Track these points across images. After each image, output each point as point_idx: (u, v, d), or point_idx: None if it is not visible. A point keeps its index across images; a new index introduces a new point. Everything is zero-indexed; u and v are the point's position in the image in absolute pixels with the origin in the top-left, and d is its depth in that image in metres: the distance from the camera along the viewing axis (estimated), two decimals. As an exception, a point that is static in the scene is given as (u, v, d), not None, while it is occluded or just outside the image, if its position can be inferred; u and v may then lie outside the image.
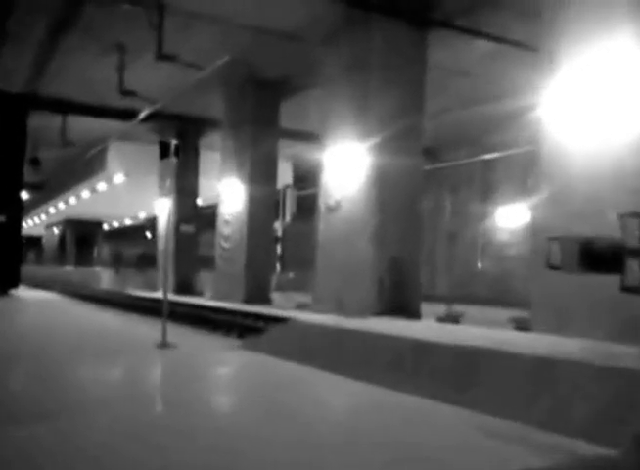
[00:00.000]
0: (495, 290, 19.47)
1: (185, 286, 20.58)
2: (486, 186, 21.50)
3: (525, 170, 20.11)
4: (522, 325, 10.06)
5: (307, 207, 25.31)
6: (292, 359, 7.21)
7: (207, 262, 19.37)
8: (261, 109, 16.59)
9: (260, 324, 10.43)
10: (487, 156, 20.21)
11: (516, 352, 5.25)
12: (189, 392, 5.74)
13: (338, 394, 5.76)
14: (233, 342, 9.48)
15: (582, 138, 7.30)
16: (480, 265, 20.66)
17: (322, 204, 12.26)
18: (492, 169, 21.09)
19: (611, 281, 7.06)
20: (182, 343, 8.50)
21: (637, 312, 6.60)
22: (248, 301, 15.91)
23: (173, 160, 8.00)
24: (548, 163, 7.72)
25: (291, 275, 22.96)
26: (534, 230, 8.09)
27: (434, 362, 5.67)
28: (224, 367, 7.64)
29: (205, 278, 21.07)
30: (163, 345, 8.23)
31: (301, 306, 15.50)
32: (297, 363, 7.05)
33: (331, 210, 11.92)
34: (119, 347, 8.79)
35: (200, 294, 20.20)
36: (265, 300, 16.36)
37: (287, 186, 25.51)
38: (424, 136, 11.57)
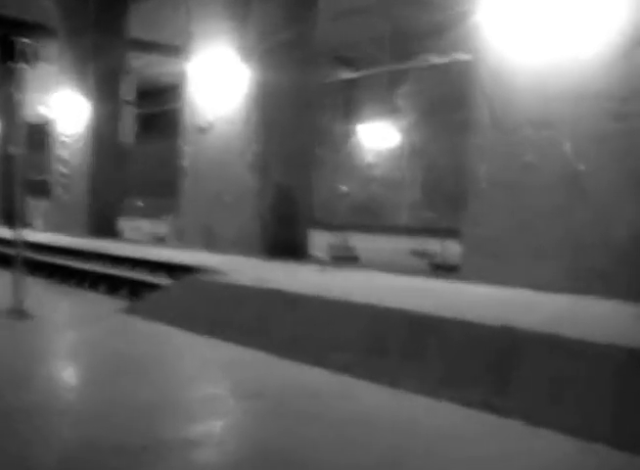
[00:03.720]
0: (362, 215, 18.68)
1: (11, 215, 17.74)
2: (350, 104, 20.38)
3: (392, 88, 19.22)
4: (433, 261, 9.19)
5: (154, 126, 22.99)
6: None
7: (37, 189, 16.73)
8: (106, 14, 14.08)
9: (152, 279, 8.06)
10: (351, 74, 18.98)
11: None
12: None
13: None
14: (110, 302, 7.48)
15: (533, 51, 6.15)
16: (345, 189, 19.70)
17: (189, 124, 10.47)
18: (356, 87, 19.94)
19: (555, 226, 6.33)
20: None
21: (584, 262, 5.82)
22: (92, 232, 13.86)
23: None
24: (488, 80, 6.50)
25: (139, 203, 20.77)
26: (475, 162, 6.77)
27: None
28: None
29: (34, 207, 18.39)
30: (18, 313, 6.15)
31: (157, 238, 13.77)
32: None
33: (202, 131, 10.18)
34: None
35: (29, 225, 17.47)
36: (112, 232, 14.30)
37: (127, 102, 22.91)
38: (318, 44, 10.00)
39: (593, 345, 3.57)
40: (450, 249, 9.85)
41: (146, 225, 16.76)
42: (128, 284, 7.93)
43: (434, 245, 11.28)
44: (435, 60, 16.89)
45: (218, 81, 9.85)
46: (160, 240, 13.35)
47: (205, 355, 5.14)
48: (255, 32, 9.29)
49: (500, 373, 3.76)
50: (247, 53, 9.38)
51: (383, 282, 6.63)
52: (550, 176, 6.06)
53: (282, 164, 9.49)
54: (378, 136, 19.78)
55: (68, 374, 4.88)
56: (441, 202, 17.46)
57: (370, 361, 4.39)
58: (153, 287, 7.37)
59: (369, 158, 20.16)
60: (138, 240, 13.38)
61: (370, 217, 18.76)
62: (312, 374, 4.45)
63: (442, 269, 8.25)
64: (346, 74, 19.12)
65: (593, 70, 5.79)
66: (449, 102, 17.37)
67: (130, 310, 6.72)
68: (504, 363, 3.78)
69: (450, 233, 10.98)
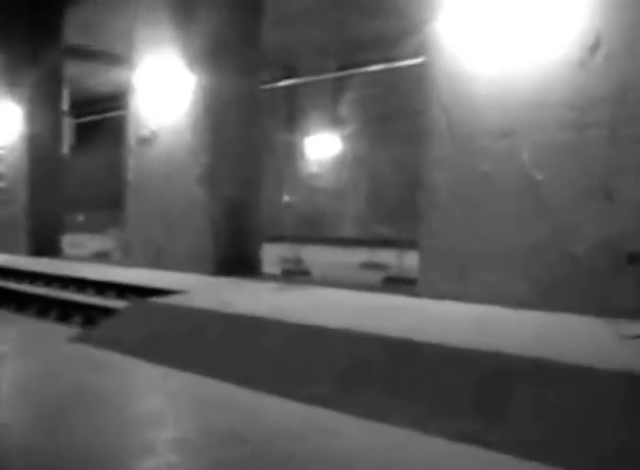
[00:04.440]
0: (307, 226, 18.48)
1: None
2: (293, 113, 20.19)
3: (336, 97, 19.14)
4: (388, 274, 9.03)
5: (95, 136, 22.38)
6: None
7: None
8: (41, 18, 13.48)
9: (104, 302, 7.42)
10: (295, 80, 18.79)
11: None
12: None
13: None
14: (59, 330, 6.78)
15: (491, 60, 6.08)
16: (289, 200, 19.47)
17: (133, 134, 10.08)
18: (300, 96, 19.77)
19: (515, 237, 6.23)
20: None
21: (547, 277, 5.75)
22: (32, 250, 13.20)
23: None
24: (445, 89, 6.39)
25: (80, 217, 20.09)
26: (432, 172, 6.54)
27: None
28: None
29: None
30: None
31: (101, 255, 13.27)
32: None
33: (145, 142, 9.81)
34: None
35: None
36: (54, 249, 13.64)
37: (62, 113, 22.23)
38: (263, 51, 9.76)
39: (589, 370, 3.41)
40: (403, 261, 9.76)
41: (88, 241, 16.18)
42: (79, 308, 7.35)
43: (383, 257, 11.20)
44: (380, 68, 16.88)
45: (163, 90, 9.53)
46: (104, 256, 12.85)
47: (163, 388, 4.67)
48: (201, 39, 9.00)
49: (492, 403, 3.53)
50: (192, 60, 9.09)
51: (346, 301, 6.33)
52: (508, 186, 5.99)
53: (231, 176, 9.18)
54: (322, 146, 19.66)
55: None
56: (387, 212, 17.43)
57: (348, 392, 4.08)
58: (105, 311, 6.88)
59: (313, 168, 20.01)
60: (81, 257, 12.83)
61: (315, 229, 18.60)
62: (288, 408, 4.07)
63: (398, 283, 8.11)
64: (290, 82, 18.96)
65: (551, 80, 5.74)
66: (394, 111, 17.42)
67: (82, 339, 6.16)
68: (495, 392, 3.55)
69: (400, 244, 10.92)
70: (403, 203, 16.84)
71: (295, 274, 9.62)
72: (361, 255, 12.09)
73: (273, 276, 8.95)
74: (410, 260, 9.26)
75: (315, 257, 11.84)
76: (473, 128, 6.19)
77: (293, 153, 20.13)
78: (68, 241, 14.50)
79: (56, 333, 6.64)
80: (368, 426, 3.72)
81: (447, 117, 6.36)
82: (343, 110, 19.16)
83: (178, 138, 9.35)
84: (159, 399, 4.42)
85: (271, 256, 10.17)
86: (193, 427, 3.81)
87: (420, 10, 6.74)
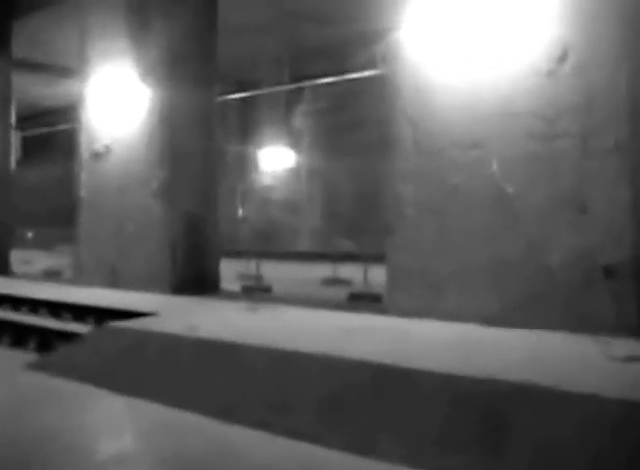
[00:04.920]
0: (263, 241, 18.21)
1: None
2: (247, 125, 19.96)
3: (290, 109, 18.99)
4: (353, 291, 8.85)
5: (44, 150, 21.75)
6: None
7: None
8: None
9: (63, 326, 7.00)
10: (248, 93, 18.57)
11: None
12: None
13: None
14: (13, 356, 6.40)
15: (457, 71, 5.98)
16: (244, 214, 19.21)
17: (85, 148, 9.73)
18: (253, 107, 19.56)
19: (486, 251, 6.11)
20: None
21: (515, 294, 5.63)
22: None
23: None
24: (411, 101, 6.26)
25: (29, 233, 19.44)
26: (399, 185, 6.35)
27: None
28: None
29: None
30: None
31: (51, 274, 12.79)
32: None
33: (99, 156, 9.47)
34: None
35: None
36: (2, 267, 13.08)
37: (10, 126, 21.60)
38: (220, 63, 9.53)
39: (594, 398, 3.21)
40: (368, 276, 9.61)
41: (38, 258, 15.62)
42: (34, 332, 6.97)
43: (346, 272, 11.04)
44: (335, 79, 16.80)
45: (117, 102, 9.22)
46: (55, 275, 12.37)
47: (130, 424, 4.35)
48: (156, 51, 8.74)
49: (488, 437, 3.31)
50: (147, 72, 8.82)
51: (319, 322, 6.01)
52: (478, 199, 5.88)
53: (189, 190, 8.92)
54: (277, 158, 19.48)
55: None
56: (344, 226, 17.32)
57: (329, 423, 3.82)
58: (62, 335, 6.51)
59: (268, 181, 19.81)
60: (32, 276, 12.33)
61: (271, 243, 18.37)
62: (266, 442, 3.78)
63: (363, 299, 7.93)
64: (243, 94, 18.74)
65: (520, 90, 5.66)
66: (349, 122, 17.33)
67: (39, 366, 5.79)
68: (491, 424, 3.34)
69: (362, 258, 10.78)
70: (360, 216, 16.74)
71: (256, 291, 9.37)
72: (322, 270, 11.90)
73: (236, 294, 8.69)
74: (374, 275, 9.13)
75: (275, 272, 11.60)
76: (440, 140, 6.07)
77: (247, 166, 19.89)
78: (16, 257, 13.96)
79: (10, 359, 6.28)
80: (352, 461, 3.46)
81: (413, 127, 6.23)
82: (298, 121, 19.03)
83: (133, 151, 9.05)
84: (127, 438, 4.10)
85: (228, 272, 9.88)
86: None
87: (381, 19, 6.63)
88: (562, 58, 5.48)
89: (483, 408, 3.41)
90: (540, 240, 5.54)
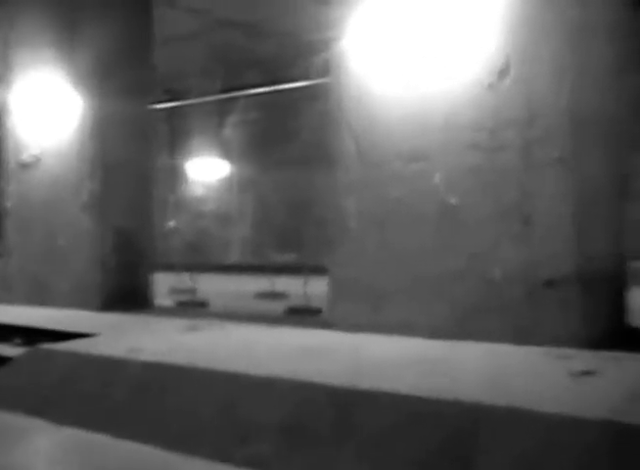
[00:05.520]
0: (194, 253, 17.86)
1: None
2: (177, 135, 19.58)
3: (221, 120, 18.77)
4: (292, 305, 8.71)
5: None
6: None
7: None
8: None
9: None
10: (179, 103, 18.25)
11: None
12: None
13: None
14: None
15: (401, 83, 5.94)
16: (174, 225, 18.80)
17: (11, 159, 9.30)
18: (183, 118, 19.22)
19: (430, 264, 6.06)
20: None
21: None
22: None
23: None
24: (354, 113, 6.18)
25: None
26: (341, 203, 6.23)
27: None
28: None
29: None
30: None
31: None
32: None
33: (26, 167, 9.06)
34: None
35: None
36: None
37: None
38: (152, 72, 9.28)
39: (572, 420, 3.09)
40: (305, 289, 9.49)
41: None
42: None
43: (281, 285, 10.89)
44: (267, 90, 16.71)
45: (45, 111, 8.85)
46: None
47: (68, 458, 3.99)
48: (88, 59, 8.44)
49: (460, 463, 3.19)
50: (78, 80, 8.49)
51: (269, 341, 5.74)
52: (422, 211, 5.83)
53: (121, 203, 8.63)
54: (208, 169, 19.20)
55: None
56: (276, 238, 17.19)
57: (293, 452, 3.62)
58: None
59: (199, 192, 19.49)
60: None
61: (203, 255, 18.05)
62: None
63: (302, 313, 7.81)
64: (174, 104, 18.42)
65: (462, 102, 5.66)
66: (282, 133, 17.24)
67: None
68: (466, 450, 3.20)
69: (298, 271, 10.67)
70: (294, 227, 16.65)
71: (192, 306, 9.12)
72: (257, 283, 11.70)
73: (172, 310, 8.42)
74: (311, 288, 9.03)
75: (208, 285, 11.33)
76: (384, 152, 6.01)
77: (177, 177, 19.52)
78: None
79: None
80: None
81: (357, 139, 6.15)
82: (229, 132, 18.81)
83: (63, 162, 8.69)
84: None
85: (160, 285, 9.59)
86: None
87: (318, 30, 6.58)
88: (504, 71, 5.51)
89: (449, 431, 3.30)
90: (484, 252, 5.53)
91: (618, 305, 5.59)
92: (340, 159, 6.27)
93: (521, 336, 5.18)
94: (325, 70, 6.64)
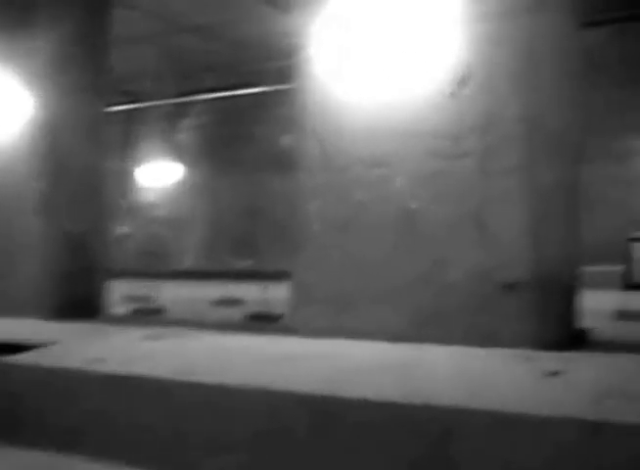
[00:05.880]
0: (147, 259, 17.62)
1: None
2: (129, 139, 19.31)
3: (175, 124, 18.61)
4: (252, 311, 8.63)
5: None
6: None
7: None
8: None
9: None
10: (132, 106, 18.00)
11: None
12: None
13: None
14: None
15: (363, 89, 5.93)
16: (125, 231, 18.50)
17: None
18: (135, 121, 18.97)
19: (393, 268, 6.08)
20: None
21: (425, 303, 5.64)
22: None
23: None
24: (318, 118, 6.15)
25: None
26: (304, 207, 6.19)
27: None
28: None
29: None
30: None
31: None
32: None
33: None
34: None
35: None
36: None
37: None
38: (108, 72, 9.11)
39: (547, 421, 3.04)
40: (265, 295, 9.43)
41: None
42: None
43: (239, 291, 10.81)
44: (222, 95, 16.63)
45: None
46: None
47: None
48: (41, 57, 8.23)
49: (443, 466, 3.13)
50: (30, 78, 8.28)
51: (234, 348, 5.56)
52: (384, 216, 5.84)
53: (72, 207, 8.40)
54: (161, 173, 18.98)
55: None
56: (233, 243, 17.07)
57: (265, 465, 3.50)
58: None
59: (152, 197, 19.24)
60: None
61: (156, 261, 17.81)
62: None
63: (264, 320, 7.74)
64: (126, 107, 18.15)
65: (423, 109, 5.68)
66: (237, 138, 17.16)
67: None
68: (445, 452, 3.15)
69: (255, 277, 10.62)
70: (250, 232, 16.57)
71: (147, 314, 8.95)
72: (213, 289, 11.58)
73: (128, 319, 8.22)
74: (269, 294, 8.97)
75: (164, 293, 11.14)
76: (347, 157, 6.00)
77: (130, 181, 19.24)
78: None
79: None
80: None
81: (321, 144, 6.12)
82: (184, 136, 18.64)
83: (11, 163, 8.43)
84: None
85: (113, 292, 9.37)
86: None
87: (282, 37, 6.57)
88: (464, 80, 5.56)
89: (433, 437, 3.26)
90: (444, 257, 5.56)
91: (572, 308, 5.70)
92: (303, 163, 6.25)
93: (483, 339, 5.21)
94: (281, 76, 6.63)
